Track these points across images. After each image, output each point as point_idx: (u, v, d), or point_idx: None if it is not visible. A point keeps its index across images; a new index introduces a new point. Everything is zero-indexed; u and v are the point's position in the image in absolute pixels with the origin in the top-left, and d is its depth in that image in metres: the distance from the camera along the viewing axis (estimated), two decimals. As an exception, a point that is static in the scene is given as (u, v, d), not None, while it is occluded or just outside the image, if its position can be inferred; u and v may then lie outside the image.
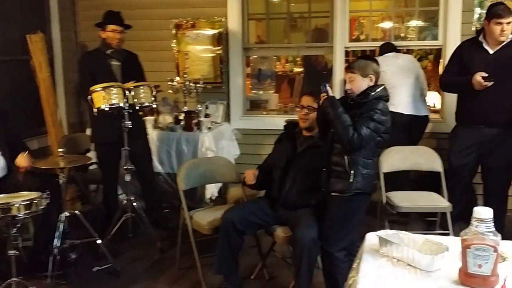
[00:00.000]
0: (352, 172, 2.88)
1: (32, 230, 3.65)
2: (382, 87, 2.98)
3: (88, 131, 5.04)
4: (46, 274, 3.33)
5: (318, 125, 3.17)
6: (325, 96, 2.95)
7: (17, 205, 3.09)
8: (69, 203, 4.14)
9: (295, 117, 3.77)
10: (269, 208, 3.28)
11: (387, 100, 2.97)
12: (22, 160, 3.52)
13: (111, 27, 4.19)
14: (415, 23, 5.31)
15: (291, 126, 3.45)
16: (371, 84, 2.97)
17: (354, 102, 2.96)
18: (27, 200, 3.15)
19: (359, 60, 3.09)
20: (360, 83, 2.96)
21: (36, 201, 3.18)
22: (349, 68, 3.02)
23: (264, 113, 5.59)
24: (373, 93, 2.91)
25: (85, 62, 4.41)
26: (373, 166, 2.95)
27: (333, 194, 2.95)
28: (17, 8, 4.89)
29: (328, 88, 2.96)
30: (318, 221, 3.02)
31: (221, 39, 5.27)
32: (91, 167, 4.66)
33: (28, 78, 4.86)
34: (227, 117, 5.32)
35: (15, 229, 3.22)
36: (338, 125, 2.86)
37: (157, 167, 4.82)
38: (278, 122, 4.91)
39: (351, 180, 2.87)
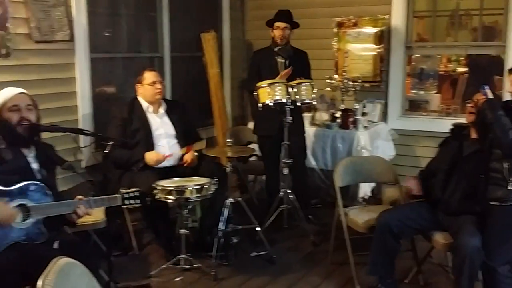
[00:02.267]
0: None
1: (199, 213, 3.98)
2: None
3: (250, 124, 5.35)
4: (210, 254, 3.61)
5: (476, 129, 3.02)
6: (485, 99, 2.82)
7: (190, 188, 3.43)
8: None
9: (460, 119, 3.62)
10: (428, 212, 3.18)
11: None
12: (189, 156, 3.87)
13: (275, 24, 4.44)
14: None
15: (458, 128, 3.32)
16: None
17: None
18: (199, 185, 3.48)
19: None
20: None
21: (206, 186, 3.50)
22: None
23: (424, 114, 5.38)
24: None
25: (254, 58, 4.70)
26: None
27: (492, 203, 2.80)
28: (194, 9, 5.36)
29: (487, 90, 2.85)
30: (481, 230, 2.87)
31: (382, 37, 5.20)
32: (251, 159, 4.94)
33: (200, 73, 5.31)
34: (384, 117, 5.25)
35: (186, 210, 3.58)
36: (496, 128, 2.72)
37: (311, 162, 4.93)
38: (439, 124, 4.76)
39: (510, 188, 2.73)
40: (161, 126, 3.95)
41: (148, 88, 3.88)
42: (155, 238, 4.00)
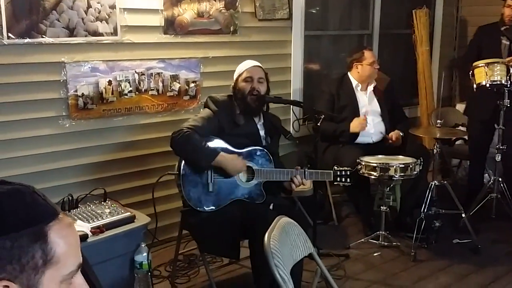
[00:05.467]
0: None
1: (398, 193, 3.95)
2: None
3: (458, 106, 5.09)
4: (409, 235, 3.59)
5: None
6: None
7: (395, 166, 3.43)
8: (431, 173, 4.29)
9: None
10: None
11: None
12: (394, 135, 3.86)
13: (508, 1, 3.93)
14: None
15: None
16: None
17: None
18: (404, 164, 3.46)
19: None
20: None
21: (411, 166, 3.46)
22: None
23: None
24: None
25: (477, 34, 4.30)
26: None
27: None
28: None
29: None
30: None
31: None
32: (457, 142, 4.70)
33: (407, 51, 5.19)
34: None
35: (387, 188, 3.59)
36: None
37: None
38: None
39: None
40: (368, 104, 3.99)
41: (368, 68, 3.93)
42: (355, 211, 4.10)
